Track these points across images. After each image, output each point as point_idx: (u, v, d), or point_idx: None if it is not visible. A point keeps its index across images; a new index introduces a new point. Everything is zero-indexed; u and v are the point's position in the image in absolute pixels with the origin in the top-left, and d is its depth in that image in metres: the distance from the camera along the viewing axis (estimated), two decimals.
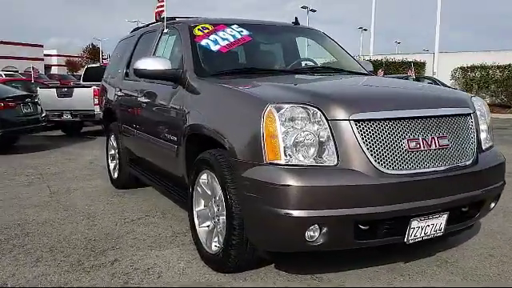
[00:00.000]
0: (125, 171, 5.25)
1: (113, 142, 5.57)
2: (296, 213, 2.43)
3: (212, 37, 3.85)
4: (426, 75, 22.63)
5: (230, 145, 2.81)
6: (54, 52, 61.81)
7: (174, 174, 3.83)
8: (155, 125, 4.11)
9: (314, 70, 3.97)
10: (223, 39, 3.84)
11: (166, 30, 4.26)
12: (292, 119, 2.53)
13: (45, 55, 55.88)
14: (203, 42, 3.80)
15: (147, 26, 5.18)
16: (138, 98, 4.46)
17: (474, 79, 23.98)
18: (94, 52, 57.73)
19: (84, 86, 11.02)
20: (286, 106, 2.56)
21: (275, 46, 4.44)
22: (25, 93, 9.74)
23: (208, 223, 3.20)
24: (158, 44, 4.43)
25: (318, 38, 4.54)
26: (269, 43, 4.40)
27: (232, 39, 3.86)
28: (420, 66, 25.82)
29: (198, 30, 3.90)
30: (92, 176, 6.23)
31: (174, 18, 4.47)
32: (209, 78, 3.50)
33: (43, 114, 9.26)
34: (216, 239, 3.07)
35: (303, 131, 2.51)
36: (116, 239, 3.73)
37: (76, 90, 10.68)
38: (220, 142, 2.93)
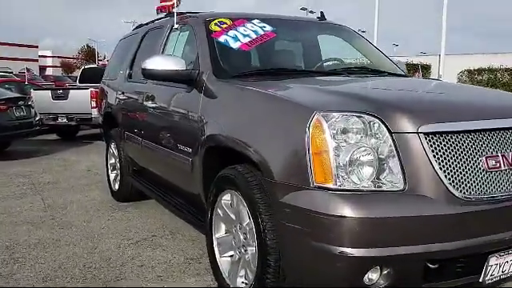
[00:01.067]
0: (127, 183, 4.74)
1: (113, 149, 5.05)
2: (354, 251, 1.92)
3: (231, 33, 3.33)
4: (431, 78, 22.22)
5: (263, 162, 2.30)
6: (49, 53, 61.19)
7: (188, 191, 3.32)
8: (164, 133, 3.59)
9: (349, 70, 3.44)
10: (244, 35, 3.32)
11: (176, 26, 3.74)
12: (344, 131, 2.03)
13: (40, 56, 55.18)
14: (221, 39, 3.29)
15: (154, 21, 4.64)
16: (144, 102, 3.95)
17: (481, 82, 23.53)
18: (89, 53, 57.14)
19: (80, 88, 10.44)
20: (337, 114, 2.05)
21: (302, 43, 3.90)
22: (17, 95, 9.17)
23: (231, 253, 2.68)
24: (166, 42, 3.91)
25: (347, 36, 4.03)
26: (295, 40, 3.85)
27: (254, 35, 3.34)
28: (425, 69, 25.39)
29: (215, 24, 3.39)
30: (90, 186, 5.70)
31: (184, 13, 3.96)
32: (230, 80, 2.99)
33: (37, 118, 8.70)
34: (242, 273, 2.56)
35: (359, 147, 2.01)
36: (120, 267, 3.21)
37: (72, 92, 10.10)
38: (249, 156, 2.42)
